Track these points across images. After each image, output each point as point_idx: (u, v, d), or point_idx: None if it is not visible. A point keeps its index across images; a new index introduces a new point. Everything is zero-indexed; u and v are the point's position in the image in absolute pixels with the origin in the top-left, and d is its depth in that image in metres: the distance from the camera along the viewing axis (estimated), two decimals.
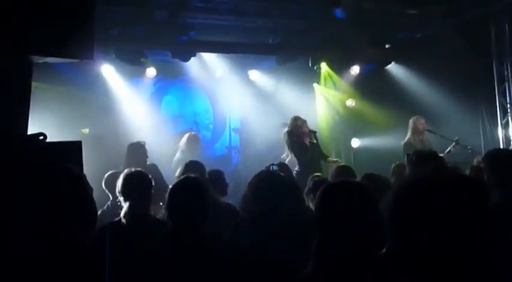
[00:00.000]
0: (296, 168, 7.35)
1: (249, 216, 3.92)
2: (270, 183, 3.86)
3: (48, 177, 2.56)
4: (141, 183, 3.97)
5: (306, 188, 4.55)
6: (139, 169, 4.27)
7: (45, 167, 2.63)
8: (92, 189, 2.72)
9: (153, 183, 4.05)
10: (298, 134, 7.68)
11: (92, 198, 2.67)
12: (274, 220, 3.60)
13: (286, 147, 7.74)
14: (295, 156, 7.60)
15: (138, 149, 6.75)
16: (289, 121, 7.86)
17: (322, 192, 2.38)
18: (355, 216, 2.22)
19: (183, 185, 3.35)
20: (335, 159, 7.91)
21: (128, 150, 6.79)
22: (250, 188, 3.96)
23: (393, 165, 5.71)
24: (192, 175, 3.54)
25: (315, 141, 7.81)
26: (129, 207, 3.81)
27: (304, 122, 7.82)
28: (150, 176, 4.13)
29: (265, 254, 3.31)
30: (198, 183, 3.34)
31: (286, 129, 7.81)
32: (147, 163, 6.63)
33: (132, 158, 6.60)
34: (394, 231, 1.52)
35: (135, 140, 7.04)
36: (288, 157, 7.66)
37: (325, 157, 7.91)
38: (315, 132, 7.94)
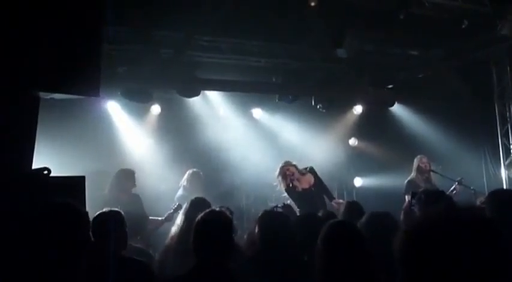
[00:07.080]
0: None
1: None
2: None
3: (50, 213, 2.55)
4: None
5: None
6: None
7: (48, 201, 2.63)
8: (90, 227, 2.70)
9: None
10: (286, 180, 7.42)
11: (90, 237, 2.65)
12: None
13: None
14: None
15: (128, 175, 7.01)
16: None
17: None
18: None
19: (210, 219, 3.29)
20: (340, 201, 7.41)
21: (117, 174, 7.03)
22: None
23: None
24: (217, 209, 3.49)
25: (312, 182, 7.48)
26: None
27: (290, 165, 7.49)
28: None
29: None
30: (226, 217, 3.31)
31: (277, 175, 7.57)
32: (133, 192, 6.98)
33: (118, 182, 6.91)
34: (405, 271, 1.47)
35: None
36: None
37: (331, 197, 7.58)
38: (311, 168, 7.63)
